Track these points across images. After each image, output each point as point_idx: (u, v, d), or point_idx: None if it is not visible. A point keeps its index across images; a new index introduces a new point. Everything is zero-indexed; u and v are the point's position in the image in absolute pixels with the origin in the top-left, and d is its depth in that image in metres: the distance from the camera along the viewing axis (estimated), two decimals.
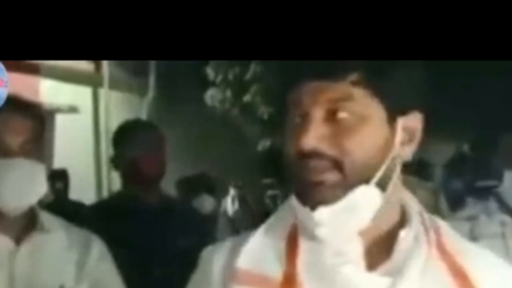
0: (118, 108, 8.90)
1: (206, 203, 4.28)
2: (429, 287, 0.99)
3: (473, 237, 1.91)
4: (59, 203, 4.91)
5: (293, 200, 1.00)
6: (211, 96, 10.44)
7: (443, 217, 2.39)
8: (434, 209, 2.55)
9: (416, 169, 3.92)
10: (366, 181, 0.97)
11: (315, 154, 0.96)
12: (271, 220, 1.09)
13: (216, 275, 1.07)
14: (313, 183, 0.96)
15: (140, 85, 9.78)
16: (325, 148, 0.96)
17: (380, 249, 1.00)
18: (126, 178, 2.43)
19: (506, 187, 1.90)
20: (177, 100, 9.27)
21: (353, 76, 0.96)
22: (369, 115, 0.97)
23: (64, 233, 1.73)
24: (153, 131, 2.50)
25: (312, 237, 1.00)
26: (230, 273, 1.04)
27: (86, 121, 8.67)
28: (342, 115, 0.97)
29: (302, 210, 0.98)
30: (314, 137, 0.96)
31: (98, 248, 1.76)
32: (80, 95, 8.58)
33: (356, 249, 0.99)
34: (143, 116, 9.20)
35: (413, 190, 2.89)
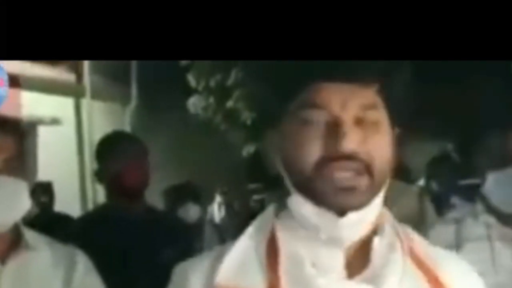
0: (101, 118, 8.86)
1: (191, 211, 4.26)
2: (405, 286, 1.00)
3: (459, 239, 1.91)
4: (45, 216, 4.88)
5: (306, 205, 1.00)
6: (194, 103, 10.42)
7: (429, 221, 2.40)
8: (420, 213, 2.54)
9: (400, 172, 3.93)
10: (382, 187, 1.00)
11: (352, 157, 0.96)
12: (250, 231, 1.07)
13: None
14: (345, 188, 0.96)
15: (122, 94, 9.73)
16: (361, 152, 0.97)
17: (357, 257, 1.02)
18: (111, 191, 2.43)
19: (490, 188, 1.88)
20: (160, 108, 9.24)
21: (376, 84, 0.99)
22: (384, 123, 1.01)
23: (49, 250, 1.72)
24: (135, 142, 2.49)
25: (293, 247, 1.01)
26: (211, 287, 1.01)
27: (69, 132, 8.62)
28: (369, 121, 0.99)
29: (323, 215, 0.98)
30: (354, 140, 0.96)
31: (83, 263, 1.75)
32: (62, 106, 8.52)
33: (338, 259, 1.00)
34: (126, 125, 9.17)
35: (399, 194, 2.85)
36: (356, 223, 0.99)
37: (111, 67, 8.74)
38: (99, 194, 7.29)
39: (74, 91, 8.85)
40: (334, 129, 0.97)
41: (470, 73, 7.19)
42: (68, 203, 6.69)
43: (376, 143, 0.98)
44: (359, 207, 0.97)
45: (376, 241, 1.02)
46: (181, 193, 4.44)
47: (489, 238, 1.88)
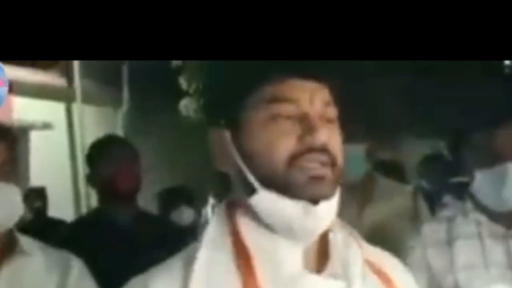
0: (93, 121, 8.83)
1: (185, 215, 4.25)
2: (366, 286, 1.04)
3: (451, 238, 1.92)
4: (39, 221, 4.86)
5: (277, 199, 1.00)
6: (185, 105, 10.40)
7: (423, 219, 2.40)
8: (414, 212, 2.55)
9: (395, 171, 3.93)
10: (339, 182, 1.04)
11: (323, 150, 1.00)
12: (209, 237, 1.05)
13: None
14: (315, 177, 0.99)
15: (114, 98, 9.71)
16: (329, 145, 1.01)
17: (317, 253, 1.05)
18: (102, 195, 2.42)
19: (478, 187, 1.89)
20: (152, 111, 9.22)
21: (332, 81, 1.03)
22: (336, 121, 1.05)
23: (43, 255, 1.72)
24: (126, 146, 2.49)
25: (263, 246, 1.01)
26: None
27: (61, 137, 8.59)
28: (329, 117, 1.03)
29: (297, 206, 0.99)
30: (325, 133, 1.00)
31: (77, 268, 1.75)
32: (54, 110, 8.50)
33: (297, 255, 1.02)
34: (118, 128, 9.15)
35: (393, 193, 2.85)
36: (327, 213, 1.02)
37: (102, 70, 8.72)
38: (92, 199, 7.27)
39: (65, 96, 8.83)
40: (305, 123, 1.00)
41: (460, 71, 7.21)
42: (61, 208, 6.67)
43: (336, 139, 1.03)
44: (329, 197, 1.00)
45: (331, 235, 1.05)
46: (174, 196, 4.43)
47: (479, 235, 1.89)
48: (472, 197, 1.94)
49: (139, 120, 9.34)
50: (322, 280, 1.01)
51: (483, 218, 1.91)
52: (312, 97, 1.02)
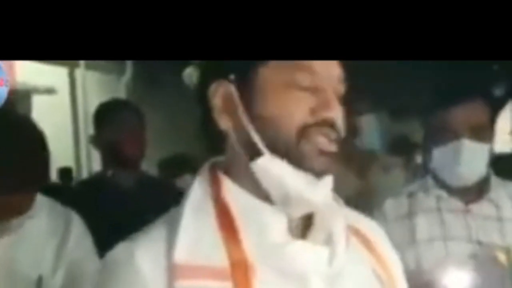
0: (96, 88, 8.81)
1: (188, 183, 4.25)
2: (350, 252, 1.05)
3: (411, 212, 1.98)
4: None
5: (281, 166, 0.99)
6: (189, 74, 10.36)
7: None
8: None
9: (402, 147, 3.97)
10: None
11: (333, 126, 1.00)
12: (191, 201, 1.04)
13: (151, 276, 0.97)
14: (324, 152, 0.99)
15: (117, 65, 9.68)
16: (339, 123, 1.01)
17: (302, 220, 1.05)
18: (107, 159, 2.41)
19: (437, 163, 1.95)
20: (155, 80, 9.19)
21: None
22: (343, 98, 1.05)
23: (46, 216, 1.72)
24: (133, 111, 2.48)
25: (248, 213, 1.00)
26: (169, 270, 0.97)
27: (64, 102, 8.58)
28: (340, 94, 1.04)
29: (301, 177, 0.99)
30: (338, 110, 1.01)
31: (77, 228, 1.76)
32: (57, 75, 8.46)
33: (282, 222, 1.02)
34: (122, 96, 9.12)
35: (392, 166, 2.93)
36: (326, 188, 1.03)
37: None
38: (94, 164, 7.28)
39: (69, 61, 8.78)
40: (320, 96, 1.00)
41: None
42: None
43: (342, 117, 1.02)
44: (332, 172, 1.02)
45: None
46: (177, 165, 4.42)
47: (439, 210, 1.96)
48: (433, 174, 2.00)
49: (142, 88, 9.31)
50: (307, 247, 1.01)
51: (443, 194, 1.98)
52: (330, 71, 1.02)
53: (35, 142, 1.55)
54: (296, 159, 0.99)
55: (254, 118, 1.01)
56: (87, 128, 7.48)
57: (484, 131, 1.92)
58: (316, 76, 1.01)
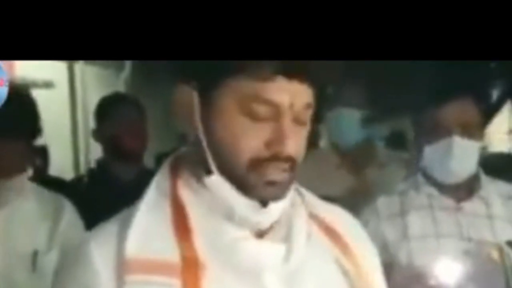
0: (95, 83, 8.79)
1: None
2: (312, 246, 1.05)
3: (403, 210, 2.01)
4: (39, 180, 4.86)
5: (228, 190, 1.00)
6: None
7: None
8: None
9: (398, 141, 3.95)
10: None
11: (286, 160, 0.99)
12: (148, 196, 1.05)
13: (102, 269, 0.98)
14: (271, 182, 0.99)
15: (116, 61, 9.67)
16: (295, 154, 1.00)
17: None
18: (108, 152, 2.42)
19: (428, 161, 1.97)
20: (154, 74, 9.17)
21: (318, 82, 1.00)
22: (308, 122, 1.04)
23: (34, 199, 1.75)
24: (134, 104, 2.49)
25: (202, 210, 1.01)
26: (119, 264, 0.97)
27: (62, 96, 8.56)
28: (304, 120, 1.02)
29: (245, 203, 0.99)
30: (294, 145, 0.99)
31: (69, 215, 1.79)
32: (56, 70, 8.45)
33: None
34: (121, 90, 9.11)
35: (388, 161, 2.89)
36: (274, 213, 1.02)
37: None
38: (92, 157, 7.27)
39: None
40: (276, 130, 0.98)
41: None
42: (61, 166, 6.68)
43: (302, 142, 1.02)
44: (280, 199, 1.01)
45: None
46: None
47: (431, 207, 1.99)
48: (424, 172, 2.02)
49: (141, 83, 9.29)
50: (262, 244, 1.02)
51: (434, 191, 2.01)
52: (293, 101, 0.98)
53: (24, 97, 1.58)
54: (244, 188, 0.99)
55: (209, 134, 1.01)
56: (86, 122, 7.48)
57: (475, 129, 1.95)
58: (277, 108, 0.98)
